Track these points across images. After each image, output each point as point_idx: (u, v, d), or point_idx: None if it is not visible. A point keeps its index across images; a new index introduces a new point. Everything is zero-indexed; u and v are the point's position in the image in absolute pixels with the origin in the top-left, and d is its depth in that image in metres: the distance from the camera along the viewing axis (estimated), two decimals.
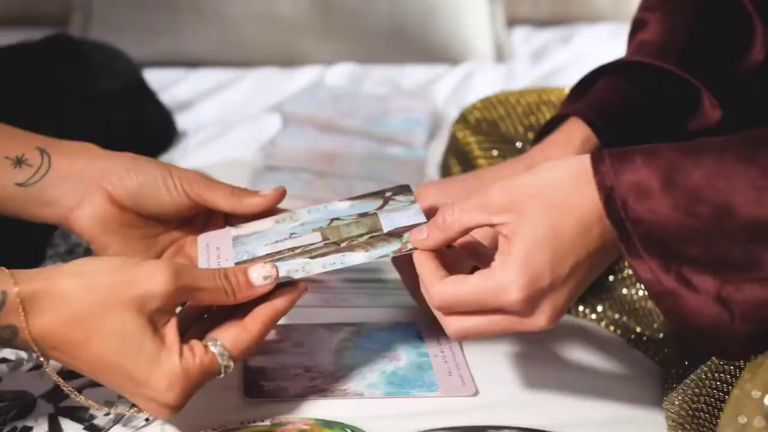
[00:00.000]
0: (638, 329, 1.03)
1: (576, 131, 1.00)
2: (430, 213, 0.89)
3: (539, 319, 0.78)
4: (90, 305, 0.77)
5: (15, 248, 1.12)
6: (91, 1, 1.81)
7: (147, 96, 1.35)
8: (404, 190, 0.95)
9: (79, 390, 0.89)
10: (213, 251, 0.92)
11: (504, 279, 0.77)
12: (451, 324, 0.81)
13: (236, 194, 0.93)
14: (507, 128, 1.27)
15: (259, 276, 0.82)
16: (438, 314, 0.82)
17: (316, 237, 0.90)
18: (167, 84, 1.64)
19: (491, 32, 1.86)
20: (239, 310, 0.83)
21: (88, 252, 1.12)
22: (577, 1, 2.05)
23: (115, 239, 0.93)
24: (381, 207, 0.93)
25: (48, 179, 0.92)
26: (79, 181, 0.92)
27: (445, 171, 1.29)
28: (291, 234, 0.91)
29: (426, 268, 0.82)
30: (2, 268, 0.79)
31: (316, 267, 0.86)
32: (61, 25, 1.82)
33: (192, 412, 0.84)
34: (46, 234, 1.16)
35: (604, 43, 1.95)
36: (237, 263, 0.88)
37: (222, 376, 0.81)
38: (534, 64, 1.83)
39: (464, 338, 0.90)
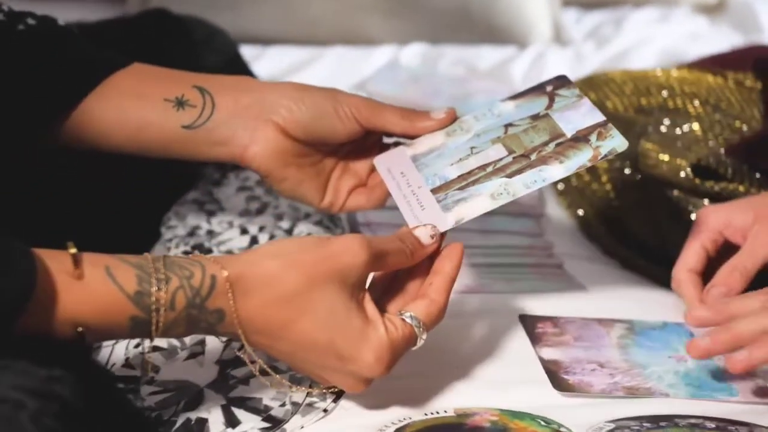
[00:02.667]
0: None
1: None
2: (716, 241, 0.97)
3: None
4: (296, 284, 0.75)
5: (129, 227, 1.09)
6: None
7: (244, 71, 1.31)
8: (564, 82, 0.92)
9: (246, 380, 0.87)
10: (400, 178, 0.89)
11: None
12: None
13: (407, 117, 0.92)
14: (616, 108, 1.25)
15: (426, 236, 0.82)
16: None
17: (500, 150, 0.88)
18: None
19: (550, 14, 1.85)
20: (405, 282, 0.83)
21: (209, 234, 1.09)
22: None
23: (291, 171, 0.92)
24: (549, 106, 0.90)
25: (215, 119, 0.91)
26: (249, 118, 0.91)
27: None
28: (471, 148, 0.89)
29: None
30: (200, 255, 0.77)
31: (519, 188, 0.85)
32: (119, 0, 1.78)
33: (366, 400, 0.83)
34: (161, 213, 1.13)
35: (654, 27, 1.96)
36: (432, 189, 0.87)
37: (416, 347, 0.80)
38: (600, 48, 1.83)
39: None
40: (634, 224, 1.17)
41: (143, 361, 0.89)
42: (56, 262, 0.70)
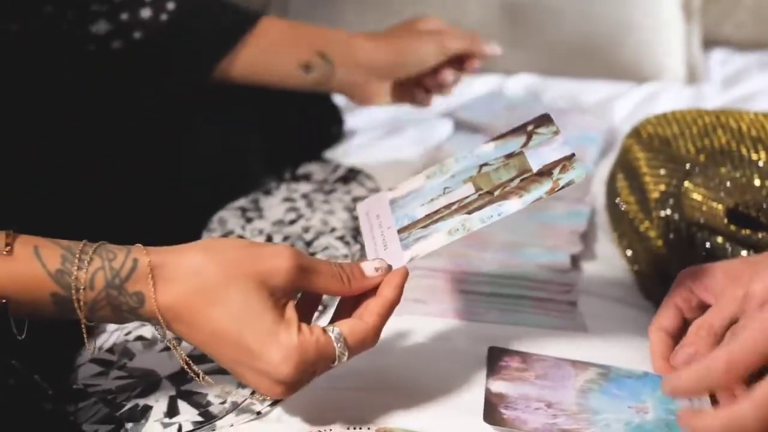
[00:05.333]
0: None
1: None
2: (689, 299, 0.96)
3: None
4: (215, 275, 0.80)
5: (172, 229, 1.16)
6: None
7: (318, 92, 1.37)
8: (545, 120, 0.92)
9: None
10: (374, 219, 0.93)
11: None
12: None
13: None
14: (679, 147, 1.23)
15: (371, 268, 0.85)
16: None
17: (469, 188, 0.89)
18: None
19: (685, 53, 1.80)
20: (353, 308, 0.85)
21: (241, 239, 1.15)
22: None
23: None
24: (525, 144, 0.90)
25: (335, 80, 1.27)
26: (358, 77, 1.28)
27: (611, 184, 1.26)
28: (444, 189, 0.91)
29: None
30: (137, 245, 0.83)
31: (474, 223, 0.86)
32: None
33: (302, 407, 0.86)
34: (205, 218, 1.20)
35: None
36: (399, 230, 0.89)
37: (336, 364, 0.82)
38: (725, 89, 1.75)
39: None
40: (674, 265, 1.15)
41: (122, 347, 0.97)
42: None
